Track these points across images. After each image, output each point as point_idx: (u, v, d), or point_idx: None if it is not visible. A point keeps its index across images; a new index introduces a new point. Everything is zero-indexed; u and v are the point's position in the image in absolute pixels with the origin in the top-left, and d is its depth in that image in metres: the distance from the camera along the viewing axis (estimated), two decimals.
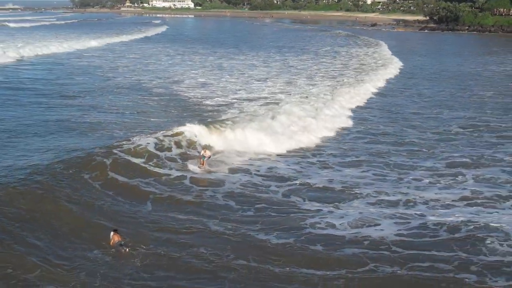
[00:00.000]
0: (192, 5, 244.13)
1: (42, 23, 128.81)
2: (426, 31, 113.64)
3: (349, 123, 27.57)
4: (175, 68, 47.90)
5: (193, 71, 45.90)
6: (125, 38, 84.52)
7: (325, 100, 31.71)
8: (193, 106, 30.65)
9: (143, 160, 18.35)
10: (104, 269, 11.22)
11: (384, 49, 69.32)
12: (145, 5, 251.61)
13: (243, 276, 10.88)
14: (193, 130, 21.64)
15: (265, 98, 33.33)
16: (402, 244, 13.11)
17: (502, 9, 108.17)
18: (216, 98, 32.95)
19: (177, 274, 11.07)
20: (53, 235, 12.68)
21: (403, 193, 17.29)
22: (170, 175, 17.65)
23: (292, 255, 11.93)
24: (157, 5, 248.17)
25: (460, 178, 18.97)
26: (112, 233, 12.27)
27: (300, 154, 21.59)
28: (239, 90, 36.43)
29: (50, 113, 27.31)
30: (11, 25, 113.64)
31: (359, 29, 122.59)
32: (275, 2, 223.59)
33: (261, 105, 30.55)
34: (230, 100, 32.33)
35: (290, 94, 34.41)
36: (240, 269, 11.13)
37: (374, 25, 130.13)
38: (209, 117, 27.10)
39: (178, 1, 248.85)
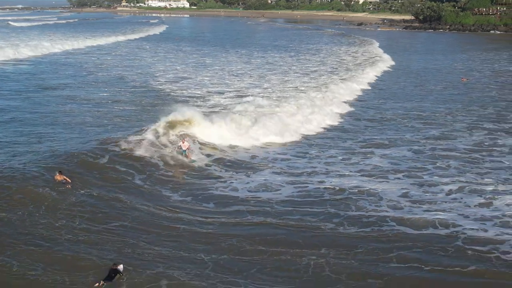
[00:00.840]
0: (187, 5, 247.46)
1: (44, 22, 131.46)
2: (408, 30, 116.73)
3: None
4: (158, 64, 50.78)
5: (174, 67, 48.81)
6: (122, 37, 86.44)
7: (287, 93, 34.82)
8: (165, 97, 33.46)
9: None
10: (49, 201, 14.63)
11: (352, 48, 72.28)
12: (141, 4, 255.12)
13: (142, 216, 14.09)
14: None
15: (236, 91, 36.23)
16: (285, 203, 16.07)
17: (482, 9, 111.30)
18: (189, 91, 35.89)
19: (98, 208, 14.54)
20: (24, 179, 15.67)
21: (313, 166, 20.24)
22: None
23: (185, 207, 15.03)
24: (153, 5, 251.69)
25: (369, 155, 21.92)
26: (57, 173, 15.82)
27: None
28: (214, 84, 39.31)
29: (27, 102, 30.30)
30: (14, 24, 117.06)
31: (345, 28, 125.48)
32: (269, 1, 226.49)
33: (230, 98, 33.45)
34: (201, 93, 35.14)
35: (259, 88, 37.29)
36: (142, 212, 14.39)
37: (360, 24, 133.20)
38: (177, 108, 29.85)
39: (174, 0, 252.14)
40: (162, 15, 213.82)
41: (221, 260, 11.72)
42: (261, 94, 34.47)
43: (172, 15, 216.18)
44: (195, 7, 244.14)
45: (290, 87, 38.34)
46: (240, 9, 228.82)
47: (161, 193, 15.79)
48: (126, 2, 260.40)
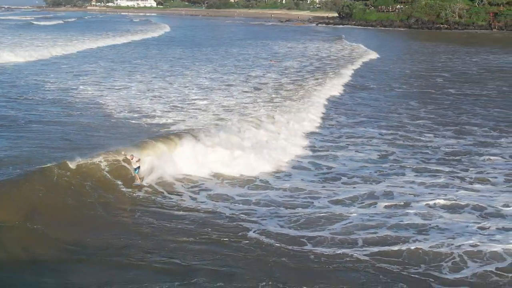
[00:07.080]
0: (154, 4, 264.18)
1: (56, 22, 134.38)
2: (320, 25, 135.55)
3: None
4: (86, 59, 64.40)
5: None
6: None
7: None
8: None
9: None
10: None
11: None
12: (110, 4, 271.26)
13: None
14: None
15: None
16: None
17: (384, 7, 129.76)
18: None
19: None
20: None
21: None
22: None
23: None
24: (122, 4, 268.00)
25: None
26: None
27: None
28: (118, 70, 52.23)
29: None
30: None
31: (260, 23, 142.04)
32: (231, 0, 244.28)
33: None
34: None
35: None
36: None
37: (287, 20, 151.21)
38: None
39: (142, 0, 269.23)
40: (131, 14, 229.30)
41: None
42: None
43: (140, 13, 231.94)
44: (161, 6, 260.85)
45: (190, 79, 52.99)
46: (204, 8, 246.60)
47: None
48: (96, 1, 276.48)
